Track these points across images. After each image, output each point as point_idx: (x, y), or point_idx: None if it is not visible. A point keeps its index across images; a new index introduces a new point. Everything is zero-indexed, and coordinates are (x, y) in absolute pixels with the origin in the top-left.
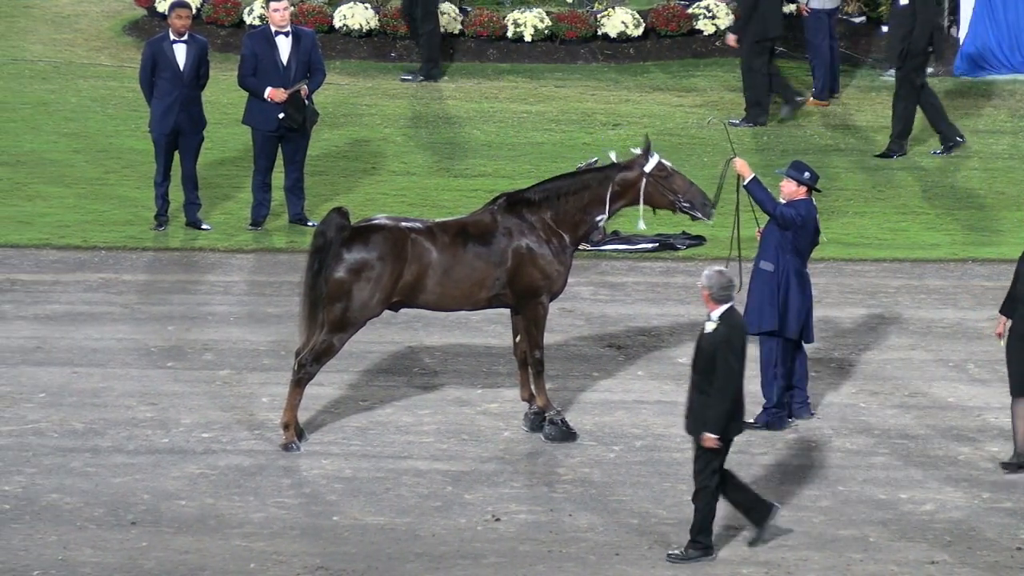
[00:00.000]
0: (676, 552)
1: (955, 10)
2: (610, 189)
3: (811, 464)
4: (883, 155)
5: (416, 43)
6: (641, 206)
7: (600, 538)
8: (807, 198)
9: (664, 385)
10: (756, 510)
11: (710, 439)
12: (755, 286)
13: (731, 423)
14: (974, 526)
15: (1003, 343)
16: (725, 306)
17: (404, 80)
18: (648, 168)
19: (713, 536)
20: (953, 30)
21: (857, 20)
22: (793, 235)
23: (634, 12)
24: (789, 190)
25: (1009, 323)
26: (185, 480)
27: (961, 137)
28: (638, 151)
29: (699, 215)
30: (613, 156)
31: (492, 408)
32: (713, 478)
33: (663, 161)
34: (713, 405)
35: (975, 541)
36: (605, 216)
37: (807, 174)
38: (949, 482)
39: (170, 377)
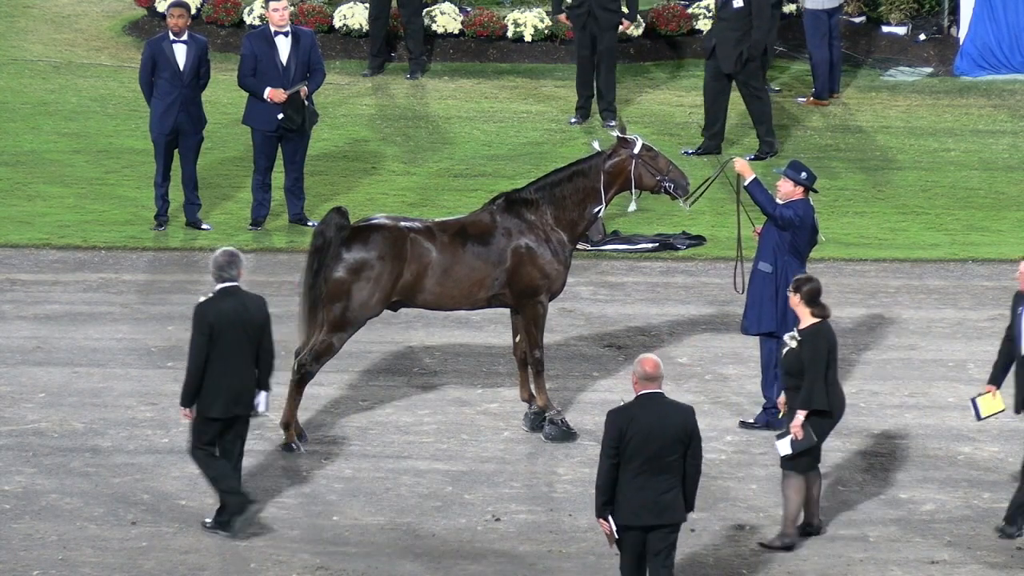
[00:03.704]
0: (207, 521)
1: (955, 10)
2: (602, 178)
3: None
4: (757, 157)
5: (405, 43)
6: (634, 190)
7: (600, 538)
8: (804, 198)
9: (664, 385)
10: (229, 503)
11: (182, 411)
12: (754, 287)
13: (216, 400)
14: (974, 526)
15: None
16: (221, 285)
17: (364, 75)
18: (636, 151)
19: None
20: (953, 30)
21: (857, 20)
22: (791, 235)
23: None
24: (786, 190)
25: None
26: (185, 480)
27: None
28: (615, 133)
29: (680, 194)
30: (596, 145)
31: (492, 408)
32: (197, 452)
33: (646, 143)
34: (184, 380)
35: (975, 541)
36: (603, 207)
37: (804, 174)
38: (949, 482)
39: (170, 377)
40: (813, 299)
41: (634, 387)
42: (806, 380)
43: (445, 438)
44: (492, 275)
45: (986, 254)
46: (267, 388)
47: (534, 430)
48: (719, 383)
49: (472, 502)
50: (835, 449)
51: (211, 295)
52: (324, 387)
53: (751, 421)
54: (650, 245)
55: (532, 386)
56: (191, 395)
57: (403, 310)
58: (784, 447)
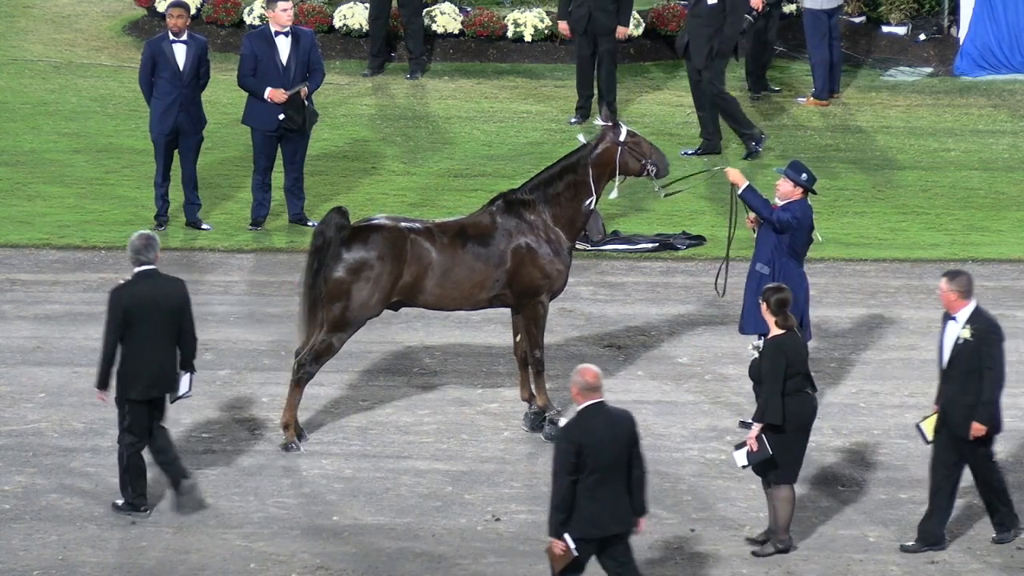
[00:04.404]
0: (118, 502)
1: (955, 10)
2: (591, 170)
3: (811, 464)
4: (748, 156)
5: (405, 43)
6: (617, 177)
7: None
8: (803, 199)
9: (664, 385)
10: (169, 479)
11: (97, 394)
12: (751, 289)
13: (135, 382)
14: (974, 526)
15: None
16: (138, 268)
17: (364, 75)
18: (622, 138)
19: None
20: (953, 30)
21: (857, 20)
22: (789, 237)
23: (634, 12)
24: (785, 190)
25: None
26: None
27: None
28: (598, 122)
29: (662, 175)
30: (582, 138)
31: (492, 408)
32: (124, 437)
33: (630, 129)
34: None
35: (975, 541)
36: (594, 198)
37: (804, 176)
38: None
39: None
40: (779, 309)
41: (575, 399)
42: (762, 392)
43: (445, 438)
44: (493, 276)
45: (986, 254)
46: (191, 369)
47: (534, 430)
48: (719, 383)
49: (472, 502)
50: (835, 449)
51: (128, 279)
52: (324, 387)
53: (751, 421)
54: (650, 245)
55: (532, 386)
56: (104, 377)
57: (403, 310)
58: (740, 458)
